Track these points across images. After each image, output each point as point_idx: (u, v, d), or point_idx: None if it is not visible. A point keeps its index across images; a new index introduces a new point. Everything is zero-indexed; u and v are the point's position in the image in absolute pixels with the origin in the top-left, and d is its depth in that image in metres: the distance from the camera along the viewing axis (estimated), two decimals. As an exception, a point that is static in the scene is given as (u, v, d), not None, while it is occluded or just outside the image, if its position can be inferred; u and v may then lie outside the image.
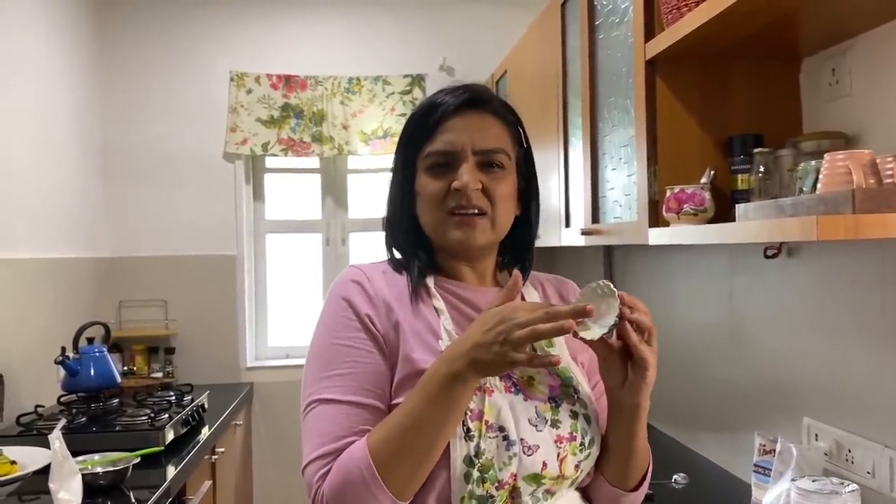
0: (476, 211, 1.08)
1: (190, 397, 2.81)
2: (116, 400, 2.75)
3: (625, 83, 1.83)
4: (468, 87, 1.13)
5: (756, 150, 1.57)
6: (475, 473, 0.96)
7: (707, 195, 1.60)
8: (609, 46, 1.96)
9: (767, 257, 1.81)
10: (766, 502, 1.71)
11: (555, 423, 1.03)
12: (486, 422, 0.98)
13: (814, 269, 1.70)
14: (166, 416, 2.49)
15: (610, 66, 1.96)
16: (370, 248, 3.90)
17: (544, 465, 1.00)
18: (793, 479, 1.35)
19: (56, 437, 1.88)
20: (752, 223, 1.29)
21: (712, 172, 1.63)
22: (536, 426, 1.01)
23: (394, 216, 1.16)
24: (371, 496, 0.92)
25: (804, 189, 1.31)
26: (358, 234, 3.89)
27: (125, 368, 3.40)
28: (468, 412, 0.98)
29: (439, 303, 1.09)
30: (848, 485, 1.25)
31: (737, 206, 1.38)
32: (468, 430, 0.97)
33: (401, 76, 3.71)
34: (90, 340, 2.83)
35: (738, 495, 1.88)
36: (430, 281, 1.12)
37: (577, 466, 1.04)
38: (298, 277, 3.89)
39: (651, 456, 1.15)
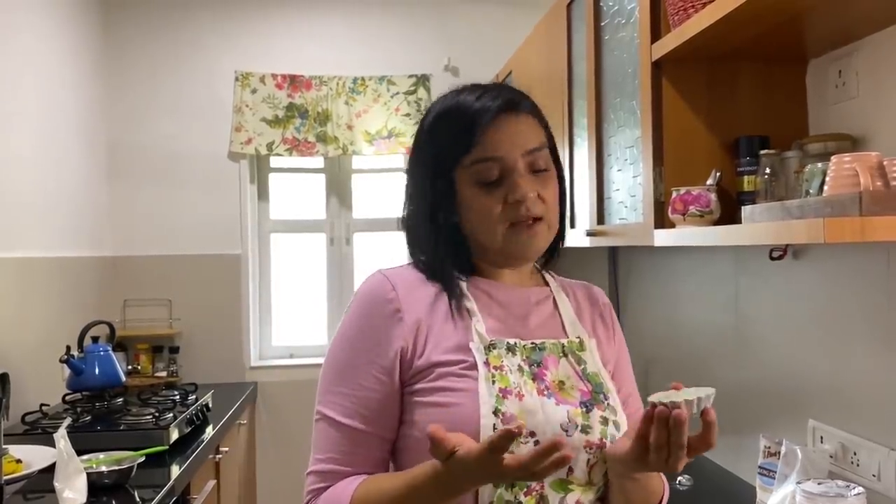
0: (535, 218, 1.07)
1: (194, 396, 2.81)
2: (121, 399, 2.75)
3: (631, 84, 1.83)
4: (500, 88, 1.11)
5: (762, 152, 1.57)
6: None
7: (713, 197, 1.60)
8: (615, 47, 1.96)
9: (773, 259, 1.81)
10: (772, 504, 1.71)
11: (585, 429, 1.02)
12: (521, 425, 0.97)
13: (819, 272, 1.69)
14: (171, 415, 2.49)
15: (616, 66, 1.96)
16: (375, 249, 3.90)
17: (570, 470, 1.00)
18: (798, 483, 1.35)
19: (61, 436, 1.89)
20: (759, 225, 1.28)
21: (718, 174, 1.63)
22: (567, 431, 1.01)
23: (422, 225, 1.12)
24: None
25: (811, 191, 1.31)
26: (362, 234, 3.89)
27: (129, 367, 3.41)
28: (500, 415, 0.98)
29: (472, 304, 1.08)
30: (854, 487, 1.25)
31: (743, 207, 1.38)
32: None
33: (406, 76, 3.71)
34: (95, 339, 2.84)
35: (742, 498, 1.88)
36: (464, 284, 1.10)
37: (605, 474, 1.04)
38: (303, 277, 3.89)
39: (665, 489, 1.14)
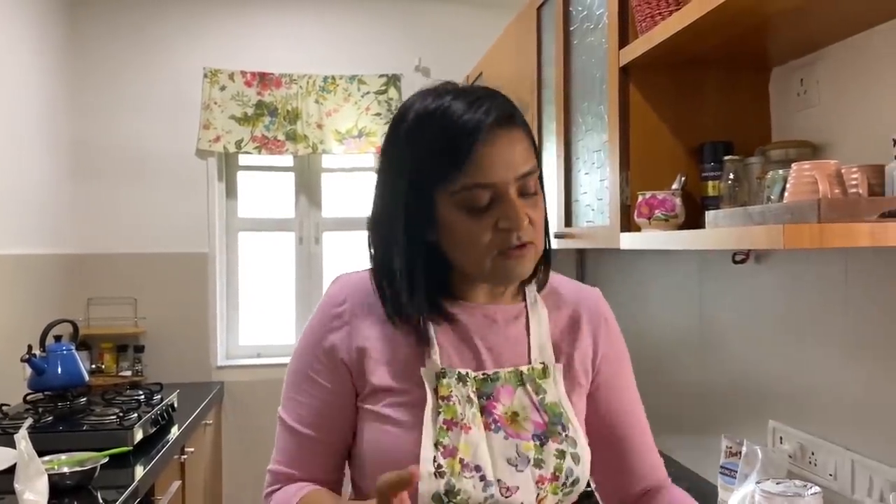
0: (525, 243, 0.99)
1: (159, 396, 2.78)
2: (84, 399, 2.71)
3: (598, 89, 1.85)
4: (491, 97, 0.98)
5: (726, 158, 1.60)
6: None
7: (678, 201, 1.62)
8: (583, 52, 1.98)
9: (736, 263, 1.84)
10: (733, 503, 1.74)
11: (538, 463, 0.98)
12: (461, 460, 0.94)
13: (781, 276, 1.73)
14: (135, 415, 2.46)
15: (584, 71, 1.98)
16: (344, 248, 3.89)
17: None
18: (757, 482, 1.38)
19: (22, 437, 1.86)
20: (722, 230, 1.31)
21: (683, 179, 1.66)
22: (516, 466, 0.97)
23: (395, 240, 1.01)
24: None
25: (772, 197, 1.34)
26: (332, 233, 3.88)
27: (93, 367, 3.36)
28: (440, 448, 0.95)
29: (430, 330, 1.02)
30: (811, 487, 1.28)
31: (706, 212, 1.41)
32: (439, 466, 0.94)
33: (376, 76, 3.70)
34: (57, 338, 2.79)
35: (704, 497, 1.91)
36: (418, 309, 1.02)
37: None
38: (271, 276, 3.86)
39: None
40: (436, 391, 0.98)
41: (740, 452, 1.77)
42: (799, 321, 1.67)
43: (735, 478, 1.77)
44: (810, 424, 1.62)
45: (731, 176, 1.58)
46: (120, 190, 3.54)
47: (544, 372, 1.05)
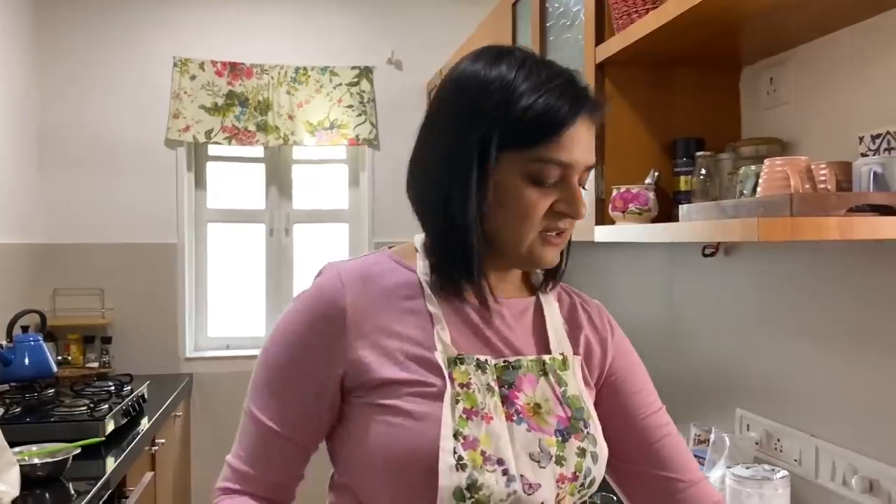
0: (562, 231, 0.97)
1: (129, 388, 2.76)
2: (52, 390, 2.68)
3: (575, 84, 1.88)
4: (585, 85, 0.96)
5: (698, 154, 1.65)
6: None
7: (651, 195, 1.66)
8: (560, 48, 2.01)
9: (706, 256, 1.90)
10: (700, 489, 1.79)
11: (559, 460, 0.92)
12: (483, 452, 0.88)
13: (749, 268, 1.78)
14: (106, 406, 2.45)
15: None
16: (314, 240, 3.89)
17: None
18: (728, 467, 1.43)
19: (-7, 428, 1.84)
20: (696, 223, 1.35)
21: (656, 174, 1.70)
22: (539, 462, 0.91)
23: (453, 210, 0.93)
24: None
25: (745, 192, 1.39)
26: (302, 225, 3.87)
27: (59, 358, 3.30)
28: (461, 438, 0.87)
29: (436, 309, 0.96)
30: (778, 471, 1.33)
31: (680, 206, 1.45)
32: (460, 458, 0.87)
33: (348, 67, 3.70)
34: (24, 329, 2.76)
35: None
36: (426, 286, 0.97)
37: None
38: (241, 268, 3.84)
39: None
40: (451, 378, 0.91)
41: (709, 440, 1.82)
42: (766, 313, 1.72)
43: (703, 464, 1.83)
44: (776, 412, 1.68)
45: (703, 171, 1.63)
46: (87, 179, 3.49)
47: (564, 363, 1.00)
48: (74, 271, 3.46)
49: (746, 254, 1.80)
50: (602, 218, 1.74)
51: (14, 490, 1.81)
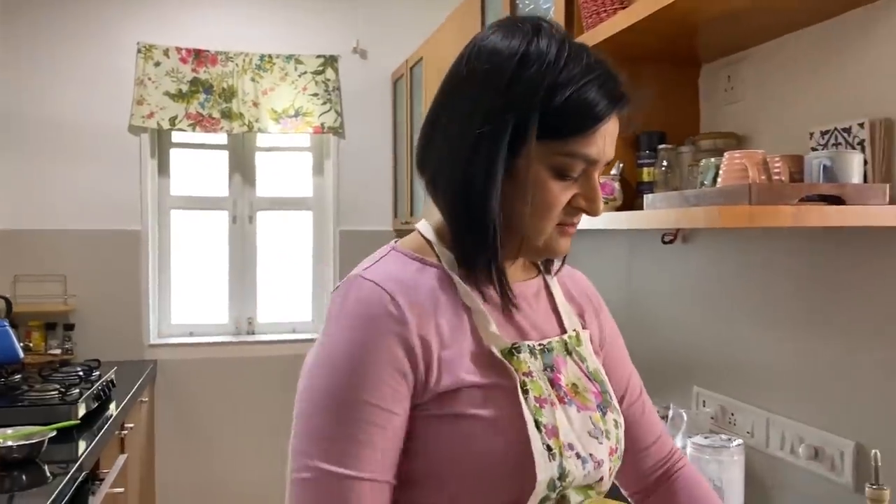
0: (576, 224, 0.95)
1: (98, 373, 2.77)
2: (18, 376, 2.68)
3: (544, 79, 1.97)
4: (622, 80, 0.93)
5: (660, 147, 1.75)
6: (553, 496, 0.85)
7: (617, 185, 1.77)
8: (529, 43, 2.10)
9: (665, 243, 2.01)
10: (659, 462, 1.91)
11: (607, 435, 0.93)
12: (561, 440, 0.86)
13: (706, 254, 1.90)
14: (77, 391, 2.46)
15: (529, 61, 2.09)
16: (278, 228, 3.92)
17: (601, 478, 0.91)
18: (688, 437, 1.54)
19: (-30, 411, 1.86)
20: (661, 211, 1.45)
21: (621, 165, 1.80)
22: (597, 438, 0.91)
23: (478, 194, 0.88)
24: None
25: (705, 182, 1.49)
26: (266, 212, 3.90)
27: (21, 345, 3.28)
28: (543, 427, 0.85)
29: (478, 304, 0.91)
30: (735, 440, 1.44)
31: (645, 196, 1.55)
32: (549, 448, 0.85)
33: (313, 56, 3.73)
34: (-10, 315, 2.74)
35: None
36: (456, 274, 0.92)
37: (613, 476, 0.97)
38: (204, 255, 3.85)
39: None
40: (521, 372, 0.88)
41: (667, 416, 1.94)
42: (721, 296, 1.84)
43: (662, 439, 1.95)
44: (730, 389, 1.80)
45: (665, 163, 1.74)
46: (50, 165, 3.45)
47: (578, 339, 1.00)
48: (36, 258, 3.43)
49: (703, 241, 1.91)
50: (570, 206, 1.83)
51: (-8, 471, 1.84)
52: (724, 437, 1.47)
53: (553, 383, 0.91)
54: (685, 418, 1.85)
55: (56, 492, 1.82)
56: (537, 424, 0.84)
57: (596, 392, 0.96)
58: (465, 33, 2.60)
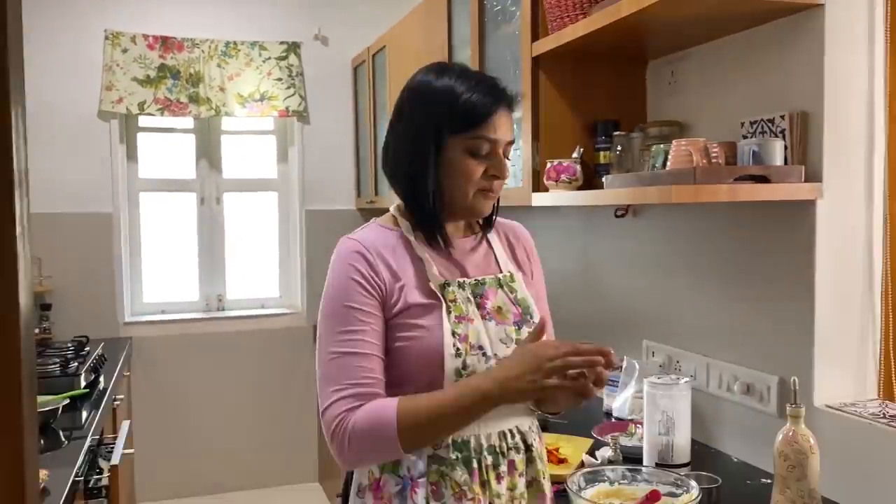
0: (495, 189, 1.35)
1: (88, 349, 2.92)
2: (10, 353, 2.81)
3: (512, 73, 2.22)
4: (503, 89, 1.33)
5: (614, 133, 2.02)
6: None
7: (578, 167, 2.03)
8: (497, 40, 2.34)
9: (617, 217, 2.29)
10: (616, 406, 2.21)
11: (517, 342, 1.31)
12: (471, 343, 1.27)
13: (653, 226, 2.19)
14: (75, 364, 2.62)
15: (498, 57, 2.34)
16: (244, 208, 4.08)
17: None
18: (644, 379, 1.83)
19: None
20: (619, 190, 1.72)
21: (581, 150, 2.06)
22: (506, 344, 1.31)
23: (422, 179, 1.31)
24: (386, 446, 1.20)
25: (656, 165, 1.77)
26: (232, 194, 4.06)
27: None
28: (457, 335, 1.26)
29: (425, 255, 1.32)
30: (683, 378, 1.73)
31: (605, 177, 1.82)
32: (458, 349, 1.25)
33: (277, 42, 3.89)
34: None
35: (591, 403, 2.37)
36: (413, 239, 1.34)
37: None
38: (173, 236, 3.99)
39: None
40: (444, 297, 1.28)
41: (621, 367, 2.24)
42: (666, 262, 2.14)
43: (617, 387, 2.25)
44: (675, 340, 2.10)
45: (619, 148, 2.01)
46: (20, 150, 3.54)
47: (512, 277, 1.39)
48: (10, 240, 3.52)
49: (651, 215, 2.20)
50: (537, 186, 2.09)
51: (19, 435, 2.01)
52: (673, 376, 1.76)
53: (480, 306, 1.32)
54: (637, 368, 2.15)
55: (81, 452, 2.00)
56: (454, 333, 1.26)
57: (517, 313, 1.35)
58: (431, 27, 2.83)
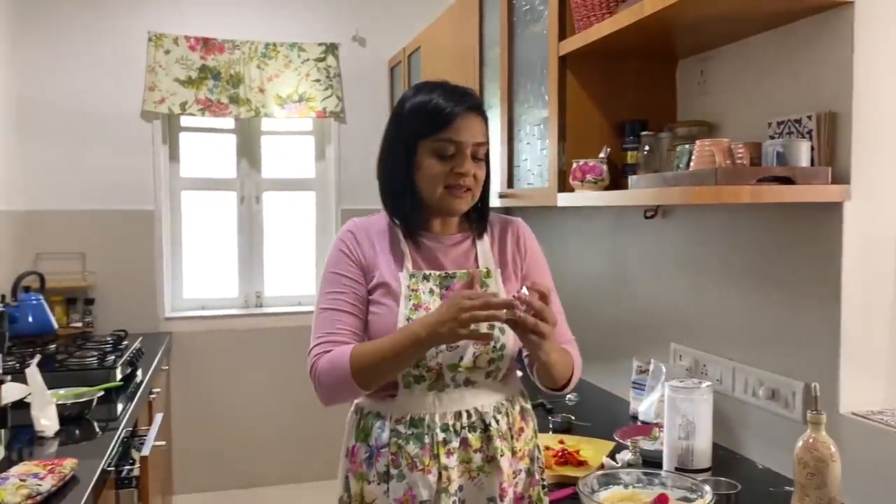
0: (466, 188, 1.46)
1: (126, 342, 3.00)
2: (53, 346, 2.90)
3: (539, 72, 2.21)
4: (468, 95, 1.49)
5: (642, 133, 1.99)
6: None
7: (604, 167, 2.01)
8: (526, 40, 2.33)
9: (647, 218, 2.26)
10: (642, 409, 2.19)
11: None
12: None
13: (682, 227, 2.16)
14: (112, 357, 2.69)
15: (526, 56, 2.33)
16: (283, 207, 4.14)
17: (461, 358, 1.43)
18: (665, 382, 1.81)
19: (34, 371, 2.09)
20: (643, 191, 1.71)
21: (608, 149, 2.04)
22: None
23: (394, 181, 1.51)
24: (345, 383, 1.39)
25: (680, 166, 1.74)
26: (271, 193, 4.12)
27: (46, 318, 3.50)
28: (409, 321, 1.41)
29: (405, 247, 1.51)
30: (704, 383, 1.70)
31: (629, 177, 1.80)
32: None
33: (315, 44, 3.94)
34: (26, 289, 2.96)
35: (618, 407, 2.36)
36: (400, 232, 1.51)
37: (490, 362, 1.45)
38: (214, 233, 4.07)
39: (575, 364, 1.53)
40: (408, 286, 1.45)
41: (648, 370, 2.21)
42: (695, 263, 2.10)
43: (644, 390, 2.22)
44: (702, 343, 2.06)
45: (646, 148, 1.98)
46: (67, 149, 3.66)
47: (488, 273, 1.51)
48: (57, 237, 3.64)
49: (680, 216, 2.17)
50: (563, 186, 2.08)
51: (55, 424, 2.08)
52: (695, 380, 1.73)
53: (443, 297, 1.46)
54: (664, 371, 2.12)
55: (112, 442, 2.06)
56: (407, 319, 1.42)
57: None
58: (463, 27, 2.83)
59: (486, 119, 1.51)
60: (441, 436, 1.41)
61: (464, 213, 1.53)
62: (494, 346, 1.44)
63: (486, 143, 1.49)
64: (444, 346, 1.40)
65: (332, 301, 1.47)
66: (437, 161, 1.44)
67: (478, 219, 1.56)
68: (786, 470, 1.72)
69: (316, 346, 1.45)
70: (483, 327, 1.37)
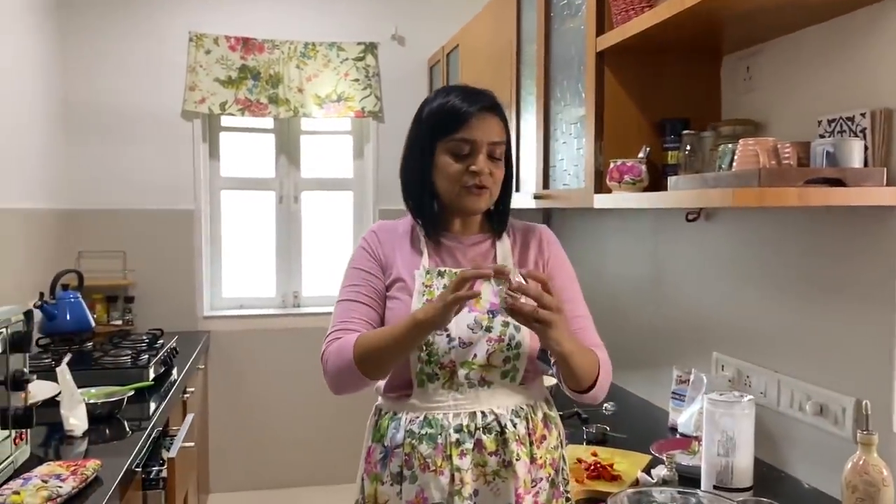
0: (483, 187, 1.46)
1: (161, 341, 3.01)
2: (90, 343, 2.92)
3: (576, 69, 2.14)
4: (483, 95, 1.49)
5: (684, 132, 1.90)
6: (424, 356, 1.42)
7: (643, 168, 1.93)
8: (563, 35, 2.26)
9: (689, 221, 2.17)
10: (681, 421, 2.09)
11: (488, 328, 1.43)
12: None
13: (726, 231, 2.06)
14: (146, 356, 2.69)
15: (563, 52, 2.26)
16: (322, 207, 4.13)
17: (474, 355, 1.43)
18: (704, 394, 1.71)
19: (65, 370, 2.09)
20: (683, 192, 1.62)
21: (648, 149, 1.96)
22: (472, 330, 1.43)
23: (414, 182, 1.53)
24: (349, 370, 1.41)
25: (723, 166, 1.65)
26: (310, 192, 4.11)
27: (87, 316, 3.54)
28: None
29: (424, 246, 1.53)
30: (746, 396, 1.61)
31: (669, 178, 1.71)
32: None
33: (354, 43, 3.91)
34: (65, 287, 2.98)
35: (656, 418, 2.26)
36: (421, 232, 1.54)
37: (505, 360, 1.44)
38: (252, 232, 4.08)
39: (601, 366, 1.46)
40: (422, 283, 1.47)
41: (689, 380, 2.12)
42: (739, 269, 2.00)
43: (683, 401, 2.13)
44: (746, 353, 1.96)
45: (688, 147, 1.89)
46: (109, 148, 3.70)
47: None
48: (98, 235, 3.68)
49: (724, 219, 2.07)
50: (600, 187, 2.00)
51: (84, 424, 2.07)
52: (736, 394, 1.63)
53: None
54: (705, 381, 2.02)
55: (139, 443, 2.05)
56: None
57: (495, 304, 1.43)
58: (501, 24, 2.77)
59: (504, 119, 1.51)
60: (454, 436, 1.40)
61: (484, 213, 1.55)
62: (509, 344, 1.43)
63: (503, 142, 1.49)
64: (455, 342, 1.41)
65: (350, 293, 1.50)
66: (454, 160, 1.46)
67: (497, 219, 1.56)
68: (834, 491, 1.62)
69: (329, 334, 1.48)
70: (483, 323, 1.43)
